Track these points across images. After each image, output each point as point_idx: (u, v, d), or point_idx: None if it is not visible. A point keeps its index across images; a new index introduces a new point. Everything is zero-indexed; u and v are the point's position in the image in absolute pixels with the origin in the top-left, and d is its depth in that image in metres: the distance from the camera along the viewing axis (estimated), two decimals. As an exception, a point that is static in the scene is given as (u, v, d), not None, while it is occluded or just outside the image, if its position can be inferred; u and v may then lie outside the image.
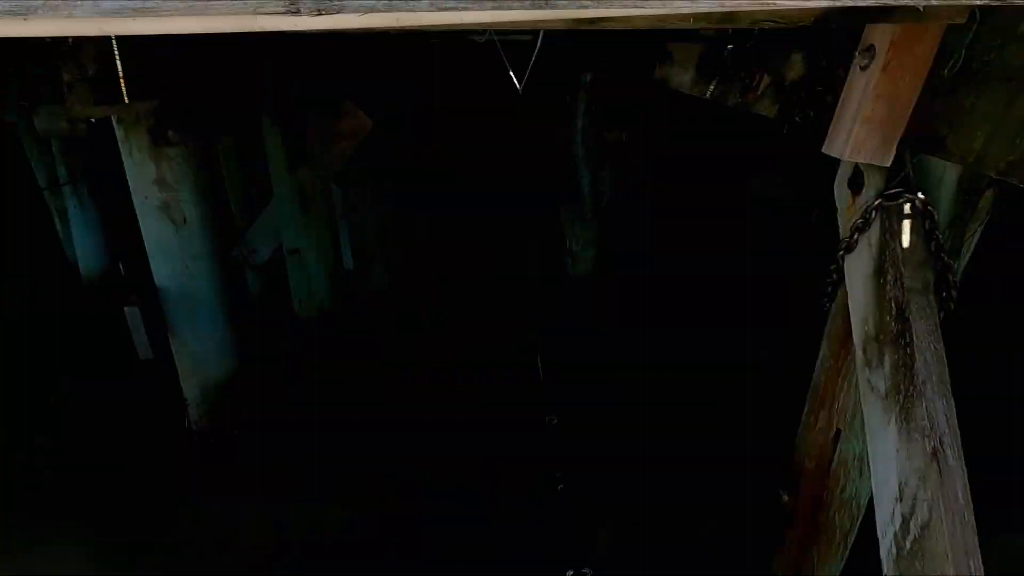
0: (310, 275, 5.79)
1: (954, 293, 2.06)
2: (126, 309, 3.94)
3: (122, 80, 2.96)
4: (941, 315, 2.16)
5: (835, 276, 2.32)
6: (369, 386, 5.87)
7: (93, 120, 5.43)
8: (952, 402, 1.70)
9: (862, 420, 2.07)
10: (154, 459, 4.68)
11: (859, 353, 2.00)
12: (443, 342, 6.58)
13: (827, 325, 2.54)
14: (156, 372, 5.74)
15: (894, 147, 1.76)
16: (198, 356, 4.47)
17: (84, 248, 6.68)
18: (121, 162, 3.90)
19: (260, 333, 6.69)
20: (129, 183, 3.90)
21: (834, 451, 2.58)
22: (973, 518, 1.60)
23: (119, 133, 3.75)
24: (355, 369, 6.10)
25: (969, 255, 2.12)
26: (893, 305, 1.85)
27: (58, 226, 7.19)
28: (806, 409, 2.73)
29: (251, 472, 4.66)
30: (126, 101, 3.04)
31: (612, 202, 8.08)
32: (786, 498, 2.91)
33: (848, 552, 2.84)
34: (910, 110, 1.69)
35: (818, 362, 2.63)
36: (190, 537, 4.06)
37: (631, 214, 8.27)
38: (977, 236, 2.08)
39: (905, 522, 1.70)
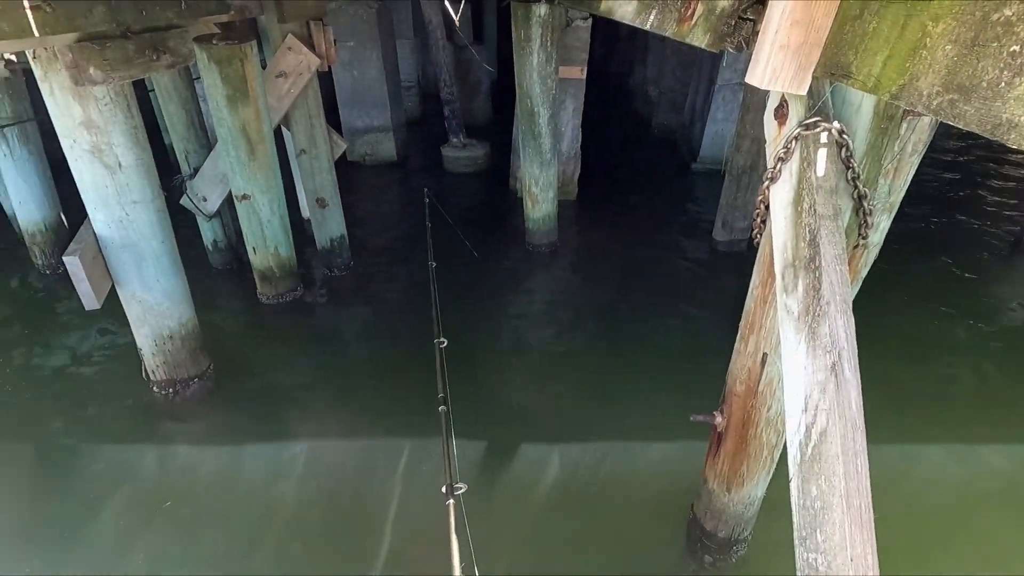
0: (261, 220, 5.66)
1: (869, 220, 2.16)
2: (65, 258, 3.80)
3: (29, 10, 2.74)
4: (862, 240, 2.27)
5: (763, 207, 2.40)
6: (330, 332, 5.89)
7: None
8: (852, 320, 1.82)
9: (783, 343, 2.20)
10: (116, 414, 4.69)
11: (779, 279, 2.10)
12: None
13: (757, 254, 2.64)
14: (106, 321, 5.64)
15: (809, 75, 1.79)
16: (147, 306, 4.40)
17: (20, 199, 6.35)
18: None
19: (218, 282, 6.59)
20: (54, 125, 3.69)
21: (761, 374, 2.74)
22: (864, 424, 1.75)
23: (38, 72, 3.52)
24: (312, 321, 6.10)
25: (906, 185, 2.19)
26: (807, 231, 1.94)
27: (-8, 180, 6.78)
28: (738, 336, 2.88)
29: (210, 420, 4.72)
30: (35, 35, 2.82)
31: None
32: (719, 419, 3.11)
33: (775, 465, 3.09)
34: (825, 36, 1.71)
35: (748, 290, 2.75)
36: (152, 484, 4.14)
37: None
38: (915, 165, 2.14)
39: (808, 430, 1.85)
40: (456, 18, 2.15)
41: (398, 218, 8.40)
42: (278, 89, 5.53)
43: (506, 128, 9.30)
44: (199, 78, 5.25)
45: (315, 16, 5.52)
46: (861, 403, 1.74)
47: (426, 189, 6.73)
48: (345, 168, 9.16)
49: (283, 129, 6.22)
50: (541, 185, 6.88)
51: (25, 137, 6.13)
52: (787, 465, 1.96)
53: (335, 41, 5.77)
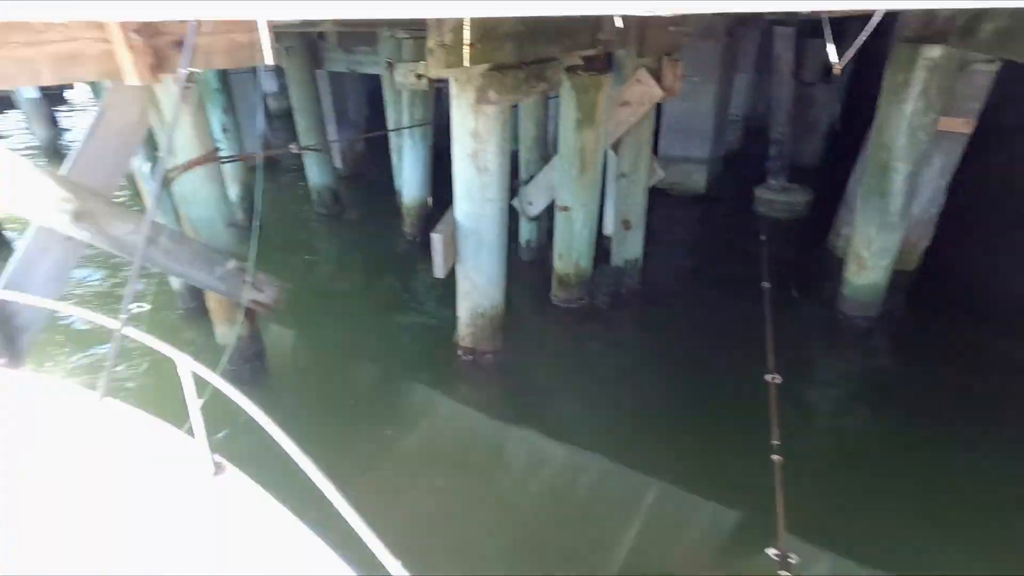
0: (573, 232, 6.22)
1: None
2: (432, 235, 4.86)
3: (467, 47, 3.58)
4: None
5: None
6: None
7: (436, 78, 6.62)
8: None
9: None
10: (426, 365, 5.81)
11: None
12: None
13: None
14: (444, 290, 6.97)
15: None
16: (474, 283, 5.29)
17: (408, 181, 8.30)
18: (447, 114, 4.74)
19: (521, 275, 7.51)
20: (452, 132, 4.71)
21: None
22: None
23: (453, 90, 4.54)
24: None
25: None
26: None
27: (394, 160, 9.06)
28: None
29: (494, 392, 5.44)
30: (466, 65, 3.66)
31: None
32: None
33: None
34: None
35: None
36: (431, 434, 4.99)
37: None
38: None
39: None
40: (839, 66, 1.99)
41: (695, 250, 8.26)
42: (618, 116, 5.99)
43: (839, 177, 8.25)
44: (554, 97, 6.05)
45: (671, 51, 5.79)
46: None
47: (761, 235, 6.45)
48: (650, 193, 9.42)
49: (609, 151, 6.72)
50: (874, 250, 5.92)
51: (423, 135, 7.99)
52: None
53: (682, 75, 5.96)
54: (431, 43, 3.58)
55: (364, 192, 10.89)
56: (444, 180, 5.42)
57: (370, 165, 11.83)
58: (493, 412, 5.16)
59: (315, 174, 9.69)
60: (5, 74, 3.36)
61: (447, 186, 5.09)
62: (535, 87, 4.43)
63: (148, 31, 3.72)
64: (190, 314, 6.70)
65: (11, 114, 15.79)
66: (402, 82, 7.37)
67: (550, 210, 7.07)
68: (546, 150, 7.29)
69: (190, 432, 2.13)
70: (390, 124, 8.83)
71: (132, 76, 3.77)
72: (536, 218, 7.43)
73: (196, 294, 6.42)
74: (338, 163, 11.49)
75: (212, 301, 5.37)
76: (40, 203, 3.75)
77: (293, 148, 7.80)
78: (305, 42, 8.81)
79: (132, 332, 2.43)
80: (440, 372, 5.65)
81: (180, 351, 2.14)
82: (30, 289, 3.98)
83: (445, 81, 5.41)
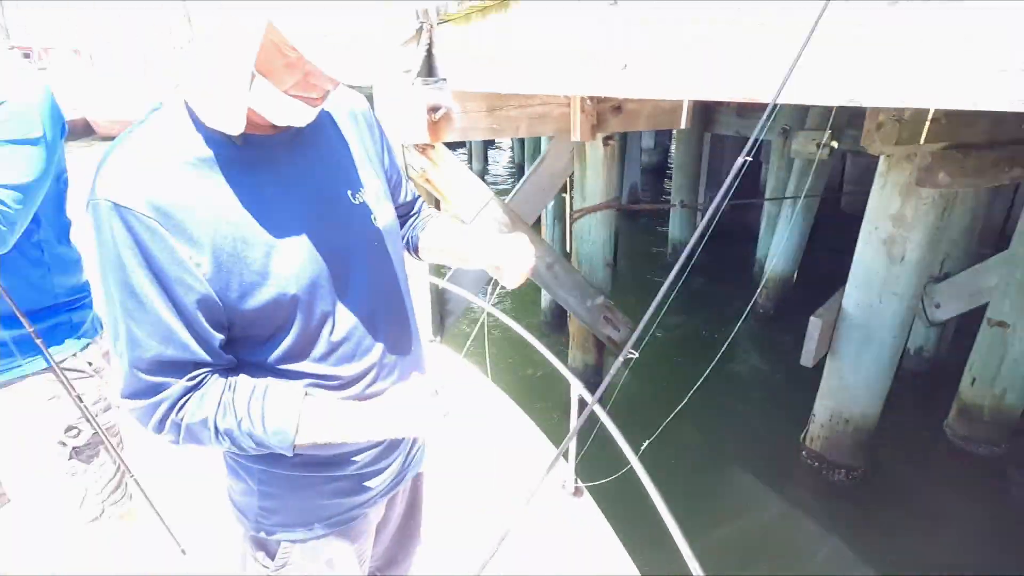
0: (1005, 355, 4.76)
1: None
2: (812, 318, 4.38)
3: (928, 123, 3.10)
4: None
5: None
6: None
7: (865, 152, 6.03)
8: None
9: None
10: (760, 456, 5.24)
11: None
12: None
13: None
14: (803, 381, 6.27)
15: None
16: (845, 383, 4.55)
17: (776, 251, 7.77)
18: (836, 187, 4.21)
19: (906, 389, 6.16)
20: (867, 211, 4.17)
21: None
22: None
23: (881, 167, 4.01)
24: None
25: None
26: None
27: (762, 227, 8.62)
28: None
29: (847, 517, 4.54)
30: (921, 143, 3.18)
31: None
32: None
33: None
34: None
35: None
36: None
37: None
38: None
39: None
40: None
41: None
42: None
43: None
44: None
45: None
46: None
47: None
48: None
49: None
50: None
51: (807, 207, 7.37)
52: None
53: None
54: (880, 117, 3.23)
55: (718, 253, 10.68)
56: (814, 256, 4.81)
57: (730, 226, 11.58)
58: (839, 533, 4.32)
59: (677, 229, 9.99)
60: (497, 128, 4.47)
61: (816, 263, 4.52)
62: (1006, 172, 3.55)
63: (597, 99, 4.44)
64: (547, 327, 7.73)
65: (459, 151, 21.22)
66: (798, 150, 6.97)
67: (962, 318, 5.61)
68: (977, 245, 5.81)
69: (565, 455, 2.36)
70: (769, 191, 8.45)
71: (576, 133, 4.56)
72: (939, 324, 5.99)
73: (560, 314, 7.36)
74: (699, 220, 11.62)
75: (574, 326, 6.05)
76: (489, 223, 4.85)
77: (671, 204, 8.22)
78: (702, 105, 9.21)
79: (529, 337, 2.84)
80: (777, 469, 5.04)
81: (572, 374, 2.40)
82: (462, 284, 5.20)
83: (852, 152, 4.84)
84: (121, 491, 1.75)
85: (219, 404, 0.87)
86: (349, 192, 1.00)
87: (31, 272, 1.47)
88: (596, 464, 2.58)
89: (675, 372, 6.72)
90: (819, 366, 4.69)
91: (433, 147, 4.23)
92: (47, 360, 1.49)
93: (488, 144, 19.43)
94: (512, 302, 8.71)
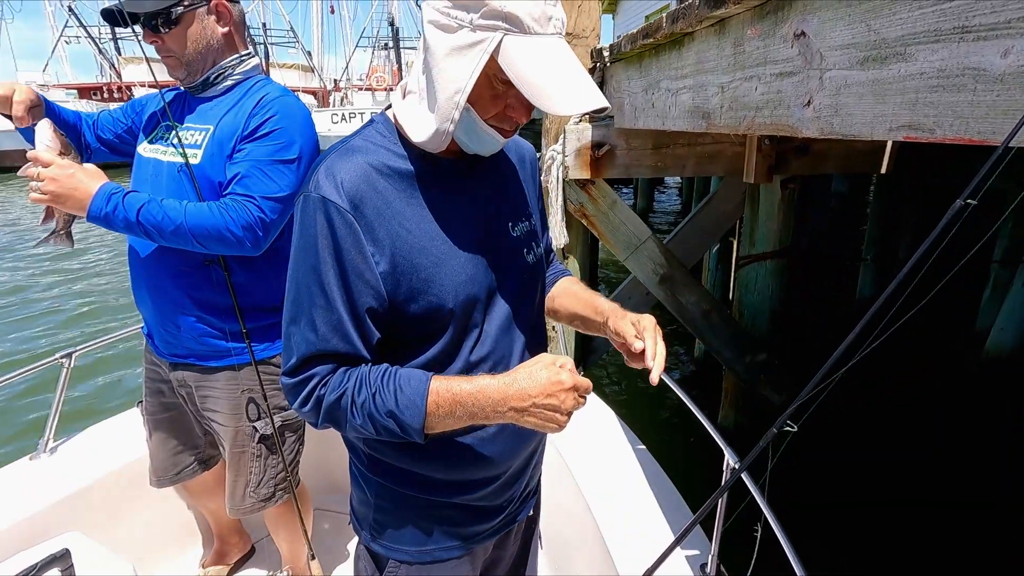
0: None
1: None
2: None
3: None
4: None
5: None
6: None
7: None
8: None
9: None
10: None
11: None
12: None
13: None
14: None
15: None
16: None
17: (1006, 323, 6.36)
18: None
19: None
20: None
21: None
22: None
23: None
24: None
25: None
26: None
27: (986, 296, 7.13)
28: None
29: None
30: None
31: None
32: None
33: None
34: None
35: None
36: None
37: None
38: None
39: None
40: None
41: None
42: None
43: None
44: None
45: None
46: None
47: None
48: None
49: None
50: None
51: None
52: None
53: None
54: None
55: (921, 319, 9.06)
56: None
57: (940, 290, 9.78)
58: None
59: (868, 287, 8.73)
60: (662, 166, 4.33)
61: None
62: None
63: (776, 138, 4.07)
64: (697, 379, 7.18)
65: (625, 190, 21.06)
66: (1045, 205, 5.67)
67: None
68: None
69: (709, 533, 2.04)
70: (997, 254, 6.98)
71: (750, 175, 4.22)
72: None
73: (715, 367, 6.80)
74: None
75: (728, 383, 5.52)
76: (644, 262, 4.68)
77: (863, 257, 7.23)
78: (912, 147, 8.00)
79: (678, 390, 2.54)
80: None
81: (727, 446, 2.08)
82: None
83: None
84: (287, 483, 1.94)
85: (357, 379, 0.93)
86: (511, 225, 1.08)
87: (267, 272, 1.70)
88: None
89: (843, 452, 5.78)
90: None
91: (594, 183, 4.23)
92: (250, 355, 1.73)
93: (655, 183, 19.04)
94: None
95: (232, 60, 1.65)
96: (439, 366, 0.99)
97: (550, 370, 0.88)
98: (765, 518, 1.65)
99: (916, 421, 6.31)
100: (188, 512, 2.46)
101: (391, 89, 34.16)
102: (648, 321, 1.07)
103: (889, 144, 4.33)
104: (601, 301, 1.18)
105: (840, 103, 1.57)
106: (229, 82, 1.65)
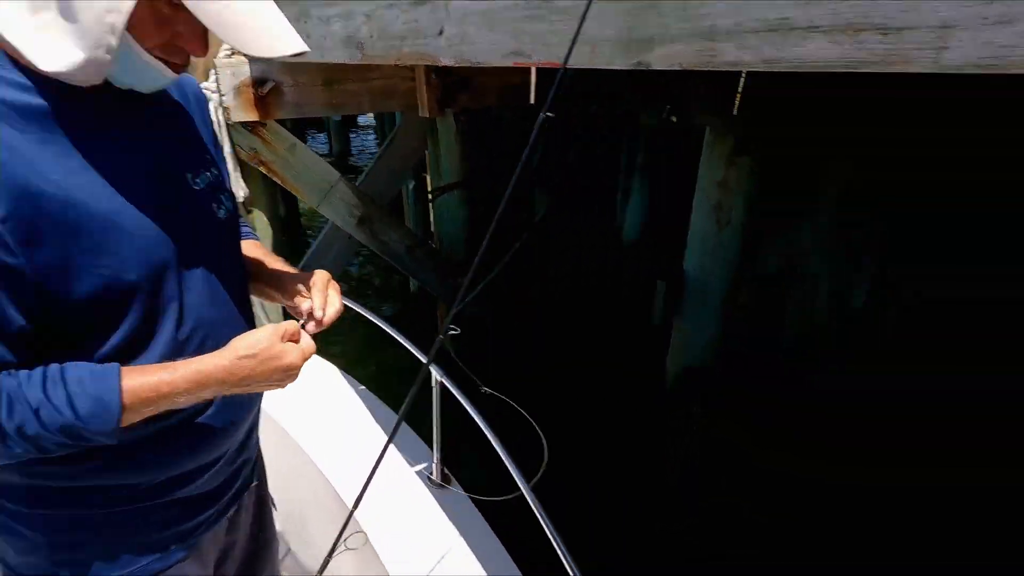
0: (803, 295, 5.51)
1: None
2: (658, 281, 4.72)
3: (738, 96, 3.42)
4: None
5: None
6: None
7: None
8: None
9: None
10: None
11: None
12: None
13: None
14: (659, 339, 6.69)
15: None
16: (688, 340, 4.98)
17: (631, 221, 8.31)
18: (687, 160, 4.58)
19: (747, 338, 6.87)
20: (698, 180, 4.53)
21: None
22: None
23: (708, 137, 4.37)
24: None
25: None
26: None
27: (619, 198, 9.15)
28: None
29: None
30: (734, 113, 3.50)
31: None
32: None
33: None
34: None
35: None
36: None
37: None
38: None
39: None
40: None
41: None
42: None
43: None
44: None
45: None
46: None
47: None
48: None
49: None
50: None
51: (654, 179, 7.92)
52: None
53: None
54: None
55: (572, 221, 11.13)
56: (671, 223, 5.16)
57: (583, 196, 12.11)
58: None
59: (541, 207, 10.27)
60: (337, 103, 4.17)
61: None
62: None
63: (443, 73, 4.31)
64: (416, 314, 7.57)
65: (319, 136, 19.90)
66: (650, 124, 7.40)
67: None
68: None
69: (430, 442, 2.23)
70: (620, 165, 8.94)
71: (424, 109, 4.40)
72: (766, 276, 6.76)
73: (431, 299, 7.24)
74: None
75: (442, 310, 5.98)
76: (338, 206, 4.55)
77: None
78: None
79: (373, 316, 2.60)
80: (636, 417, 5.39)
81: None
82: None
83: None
84: None
85: (4, 397, 0.68)
86: (190, 176, 0.88)
87: None
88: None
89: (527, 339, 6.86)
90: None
91: (264, 125, 3.84)
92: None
93: (348, 125, 18.41)
94: (378, 284, 8.35)
95: None
96: (128, 358, 0.78)
97: (269, 330, 0.82)
98: (462, 405, 1.86)
99: (576, 297, 7.77)
100: None
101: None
102: (318, 277, 0.98)
103: (534, 75, 4.99)
104: (282, 269, 1.06)
105: (465, 32, 1.70)
106: None
